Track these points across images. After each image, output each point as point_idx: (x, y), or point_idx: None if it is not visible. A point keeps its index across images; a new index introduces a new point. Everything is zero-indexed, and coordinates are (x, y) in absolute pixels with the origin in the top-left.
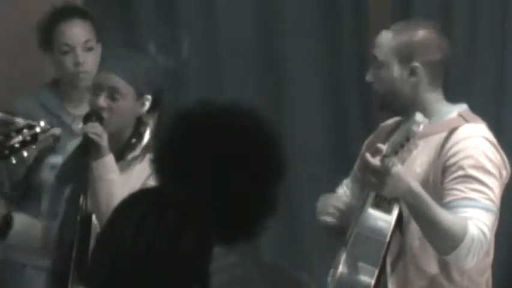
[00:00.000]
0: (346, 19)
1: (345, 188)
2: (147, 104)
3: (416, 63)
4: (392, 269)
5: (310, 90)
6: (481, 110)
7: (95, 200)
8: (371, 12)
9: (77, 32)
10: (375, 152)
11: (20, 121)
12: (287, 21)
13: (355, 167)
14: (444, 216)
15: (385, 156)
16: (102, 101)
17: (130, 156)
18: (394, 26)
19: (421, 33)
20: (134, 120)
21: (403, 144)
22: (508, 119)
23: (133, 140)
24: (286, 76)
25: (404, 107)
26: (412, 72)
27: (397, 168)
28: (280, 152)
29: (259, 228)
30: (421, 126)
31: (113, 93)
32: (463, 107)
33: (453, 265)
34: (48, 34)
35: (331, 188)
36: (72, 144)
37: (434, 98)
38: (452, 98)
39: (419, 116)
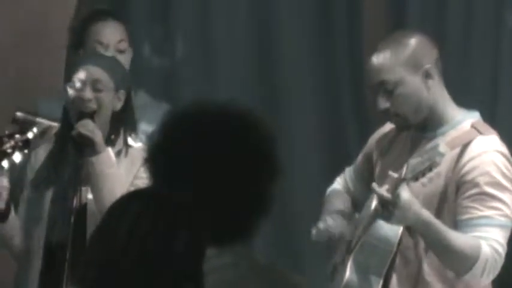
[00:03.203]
0: (340, 19)
1: (348, 183)
2: (122, 100)
3: (427, 65)
4: (397, 279)
5: (305, 91)
6: (475, 108)
7: (99, 195)
8: (366, 13)
9: (111, 31)
10: (386, 179)
11: (42, 121)
12: (281, 21)
13: (360, 159)
14: (456, 240)
15: (404, 179)
16: (88, 93)
17: (113, 151)
18: (382, 45)
19: (416, 39)
20: (110, 116)
21: (425, 173)
22: (502, 117)
23: (112, 136)
24: (281, 76)
25: (425, 119)
26: (427, 74)
27: (405, 199)
28: (274, 152)
29: (252, 229)
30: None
31: (96, 85)
32: (475, 116)
33: (457, 278)
34: (82, 34)
35: (326, 188)
36: (43, 149)
37: (446, 100)
38: None
39: (443, 147)
